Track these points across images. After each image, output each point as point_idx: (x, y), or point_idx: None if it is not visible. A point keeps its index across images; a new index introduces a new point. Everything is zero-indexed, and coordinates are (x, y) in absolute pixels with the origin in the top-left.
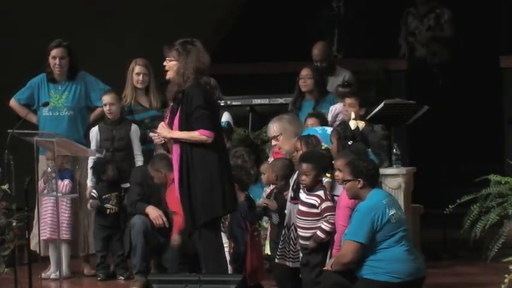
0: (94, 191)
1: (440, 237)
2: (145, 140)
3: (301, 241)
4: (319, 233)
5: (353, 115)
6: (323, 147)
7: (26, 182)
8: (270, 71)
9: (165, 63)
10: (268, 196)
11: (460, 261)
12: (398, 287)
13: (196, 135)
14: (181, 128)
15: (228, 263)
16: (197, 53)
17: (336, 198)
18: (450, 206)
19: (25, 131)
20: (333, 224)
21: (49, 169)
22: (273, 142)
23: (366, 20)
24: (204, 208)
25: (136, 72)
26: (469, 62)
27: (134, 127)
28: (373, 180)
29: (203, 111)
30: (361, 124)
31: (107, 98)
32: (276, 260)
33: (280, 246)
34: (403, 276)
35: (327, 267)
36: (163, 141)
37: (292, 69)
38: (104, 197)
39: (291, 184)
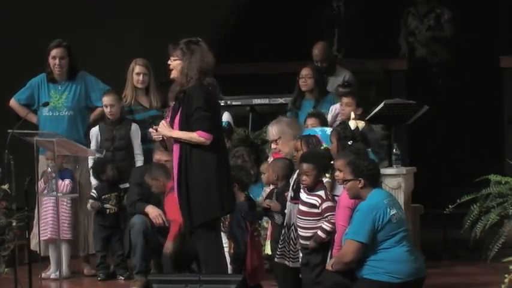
0: (94, 190)
1: (440, 237)
2: (145, 140)
3: (301, 241)
4: (320, 232)
5: (353, 115)
6: (322, 147)
7: (26, 182)
8: (270, 71)
9: (169, 62)
10: (268, 196)
11: (460, 261)
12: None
13: (195, 136)
14: (181, 128)
15: (228, 263)
16: (201, 53)
17: (336, 198)
18: (450, 206)
19: (25, 131)
20: (334, 224)
21: (49, 169)
22: (273, 146)
23: (366, 20)
24: (202, 209)
25: (137, 72)
26: (469, 62)
27: (134, 126)
28: (374, 180)
29: (203, 113)
30: (361, 124)
31: (107, 100)
32: (276, 260)
33: (280, 246)
34: (403, 277)
35: (328, 267)
36: (161, 138)
37: (292, 69)
38: (103, 197)
39: (291, 184)
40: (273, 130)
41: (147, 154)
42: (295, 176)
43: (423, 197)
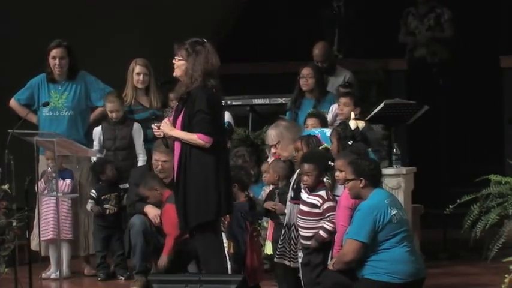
0: (93, 191)
1: (441, 237)
2: (145, 139)
3: (302, 241)
4: (321, 232)
5: (353, 115)
6: (321, 147)
7: (26, 182)
8: (270, 71)
9: (174, 62)
10: (269, 197)
11: (460, 261)
12: None
13: (195, 138)
14: (183, 129)
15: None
16: (206, 55)
17: (336, 198)
18: (450, 206)
19: (25, 131)
20: (335, 223)
21: (49, 169)
22: (272, 150)
23: (366, 20)
24: (198, 210)
25: (137, 72)
26: (469, 62)
27: (136, 126)
28: (375, 180)
29: (204, 116)
30: (361, 124)
31: (110, 106)
32: (276, 260)
33: (279, 246)
34: (404, 277)
35: (329, 267)
36: (162, 135)
37: (292, 69)
38: (103, 197)
39: (291, 184)
40: (271, 134)
41: (147, 154)
42: (295, 176)
43: (423, 197)
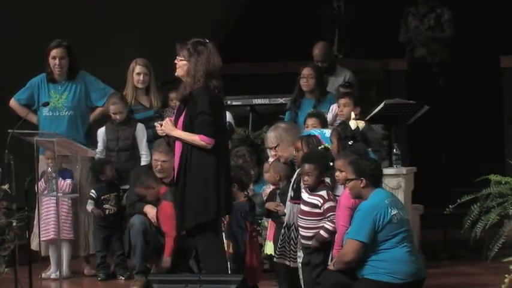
0: (93, 191)
1: (441, 237)
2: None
3: (303, 241)
4: (322, 232)
5: (353, 115)
6: (321, 147)
7: (27, 182)
8: (270, 71)
9: (176, 61)
10: (270, 197)
11: (460, 261)
12: None
13: (197, 139)
14: (185, 129)
15: None
16: (208, 55)
17: (337, 198)
18: (450, 206)
19: (25, 131)
20: (336, 223)
21: (49, 169)
22: (272, 152)
23: (366, 20)
24: (197, 211)
25: (137, 72)
26: (469, 62)
27: (140, 126)
28: (376, 180)
29: (205, 117)
30: (361, 124)
31: (113, 108)
32: (276, 260)
33: (279, 246)
34: (404, 277)
35: (330, 267)
36: (164, 133)
37: (292, 69)
38: (102, 197)
39: (291, 184)
40: (271, 137)
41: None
42: (295, 175)
43: (423, 197)
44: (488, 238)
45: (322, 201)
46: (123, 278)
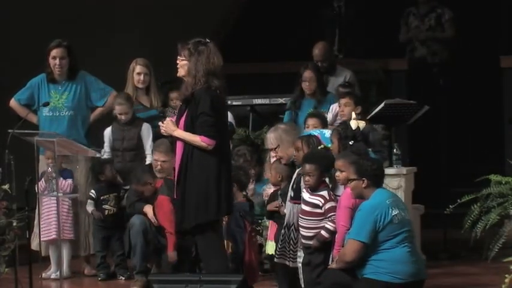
0: (92, 191)
1: (441, 237)
2: None
3: (303, 240)
4: (323, 232)
5: (354, 115)
6: (320, 147)
7: (27, 182)
8: (270, 71)
9: (177, 61)
10: (271, 198)
11: (461, 261)
12: None
13: (198, 140)
14: (186, 130)
15: None
16: (208, 54)
17: (338, 198)
18: (450, 206)
19: (25, 131)
20: (336, 223)
21: (49, 169)
22: (272, 154)
23: (366, 20)
24: (197, 211)
25: (137, 72)
26: (470, 62)
27: (145, 126)
28: (377, 180)
29: (206, 118)
30: (362, 124)
31: (119, 108)
32: (276, 260)
33: (280, 246)
34: (404, 277)
35: (332, 265)
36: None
37: (292, 69)
38: (102, 197)
39: (291, 184)
40: (271, 138)
41: None
42: (294, 175)
43: (423, 197)
44: (489, 238)
45: (323, 201)
46: (124, 278)
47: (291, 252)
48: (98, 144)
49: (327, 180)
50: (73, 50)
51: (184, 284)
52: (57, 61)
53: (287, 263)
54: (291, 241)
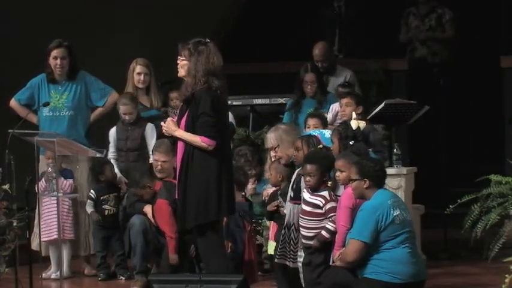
0: (92, 191)
1: (441, 237)
2: None
3: (304, 240)
4: (324, 232)
5: (354, 115)
6: (319, 146)
7: (27, 182)
8: (270, 71)
9: (178, 62)
10: (271, 198)
11: (461, 262)
12: None
13: (198, 140)
14: (187, 130)
15: None
16: (208, 54)
17: (338, 198)
18: (451, 206)
19: (26, 131)
20: (336, 223)
21: (49, 169)
22: (272, 153)
23: (366, 20)
24: (198, 211)
25: (137, 72)
26: (470, 62)
27: (149, 126)
28: (379, 181)
29: (207, 119)
30: (362, 124)
31: (123, 109)
32: (276, 260)
33: (280, 246)
34: (404, 278)
35: (336, 263)
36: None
37: (292, 69)
38: (102, 198)
39: (291, 184)
40: (271, 138)
41: None
42: (294, 176)
43: (424, 197)
44: (489, 238)
45: (324, 201)
46: (124, 278)
47: (291, 252)
48: (98, 144)
49: (329, 183)
50: (73, 50)
51: (184, 284)
52: (58, 61)
53: (287, 263)
54: (291, 241)
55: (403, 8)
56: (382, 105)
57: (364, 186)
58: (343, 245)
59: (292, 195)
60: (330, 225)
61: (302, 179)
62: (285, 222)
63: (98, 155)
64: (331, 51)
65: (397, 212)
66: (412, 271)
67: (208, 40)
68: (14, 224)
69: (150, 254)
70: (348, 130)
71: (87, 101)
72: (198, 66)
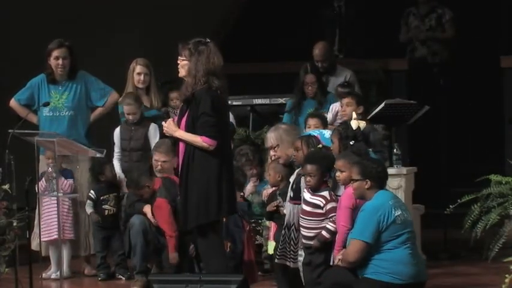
0: (92, 191)
1: (441, 237)
2: None
3: (304, 240)
4: (324, 232)
5: (354, 115)
6: (318, 146)
7: (27, 182)
8: (270, 71)
9: (178, 62)
10: (271, 199)
11: (461, 262)
12: None
13: (199, 140)
14: (187, 130)
15: None
16: (208, 54)
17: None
18: (451, 206)
19: (26, 131)
20: (336, 223)
21: (49, 169)
22: (272, 152)
23: (366, 20)
24: (198, 212)
25: (137, 72)
26: (470, 62)
27: (152, 126)
28: (380, 182)
29: (207, 119)
30: (362, 124)
31: (127, 109)
32: (276, 260)
33: (280, 247)
34: (405, 278)
35: (337, 262)
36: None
37: (293, 69)
38: (102, 198)
39: (290, 184)
40: (271, 137)
41: None
42: (294, 176)
43: (424, 197)
44: (489, 238)
45: (324, 201)
46: (124, 278)
47: (291, 252)
48: (98, 144)
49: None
50: (74, 50)
51: (184, 284)
52: (59, 61)
53: (288, 263)
54: (292, 241)
55: (403, 8)
56: (382, 105)
57: (366, 186)
58: (344, 245)
59: (292, 196)
60: (330, 225)
61: (302, 179)
62: (285, 223)
63: (98, 155)
64: (331, 51)
65: (398, 212)
66: (413, 272)
67: (209, 40)
68: (14, 224)
69: (150, 254)
70: (348, 130)
71: (87, 101)
72: (199, 66)
